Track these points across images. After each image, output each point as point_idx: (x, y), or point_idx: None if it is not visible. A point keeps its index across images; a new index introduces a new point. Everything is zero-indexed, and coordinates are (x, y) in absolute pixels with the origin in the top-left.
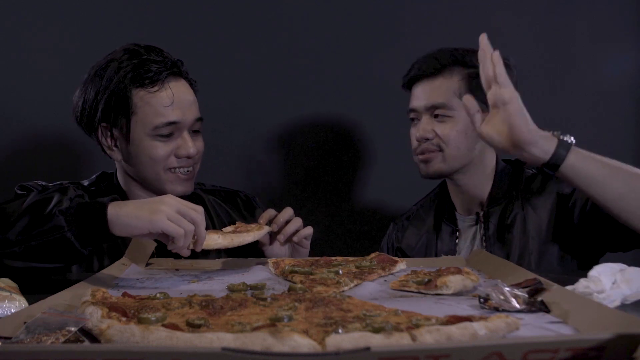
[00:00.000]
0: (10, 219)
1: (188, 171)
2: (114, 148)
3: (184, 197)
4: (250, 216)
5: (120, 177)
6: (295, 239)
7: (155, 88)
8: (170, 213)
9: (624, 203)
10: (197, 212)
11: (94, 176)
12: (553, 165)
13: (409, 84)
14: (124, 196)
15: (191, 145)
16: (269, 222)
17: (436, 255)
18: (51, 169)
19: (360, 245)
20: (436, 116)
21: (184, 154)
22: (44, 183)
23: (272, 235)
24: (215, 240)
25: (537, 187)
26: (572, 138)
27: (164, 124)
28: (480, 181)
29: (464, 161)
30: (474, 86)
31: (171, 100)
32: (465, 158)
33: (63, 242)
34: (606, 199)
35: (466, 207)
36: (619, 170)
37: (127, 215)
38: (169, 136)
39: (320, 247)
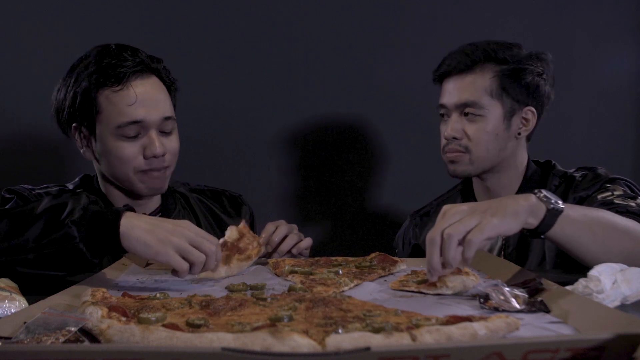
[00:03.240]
0: (23, 226)
1: (158, 171)
2: (86, 147)
3: (181, 204)
4: (235, 214)
5: (99, 178)
6: (294, 251)
7: (119, 87)
8: (181, 244)
9: (595, 260)
10: (212, 243)
11: (77, 179)
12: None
13: (440, 78)
14: (104, 198)
15: (158, 145)
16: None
17: None
18: (35, 172)
19: (366, 246)
20: (466, 114)
21: (150, 153)
22: (30, 187)
23: (269, 253)
24: (220, 274)
25: (558, 196)
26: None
27: (126, 123)
28: (510, 182)
29: (493, 162)
30: (507, 84)
31: (134, 99)
32: (494, 159)
33: (74, 251)
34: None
35: None
36: (600, 229)
37: (137, 240)
38: (135, 136)
39: (326, 249)
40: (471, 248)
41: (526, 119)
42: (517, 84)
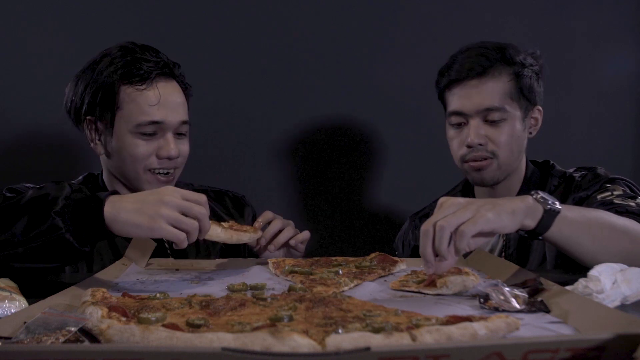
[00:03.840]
0: (9, 221)
1: (168, 173)
2: (97, 142)
3: None
4: (238, 215)
5: (105, 176)
6: (292, 242)
7: (143, 86)
8: (171, 215)
9: (594, 260)
10: (201, 204)
11: (80, 177)
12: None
13: (449, 84)
14: None
15: (173, 147)
16: (266, 226)
17: None
18: (39, 171)
19: (366, 246)
20: (486, 120)
21: (165, 154)
22: (32, 185)
23: (263, 245)
24: (217, 232)
25: (557, 198)
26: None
27: (147, 122)
28: (512, 182)
29: (515, 165)
30: (522, 85)
31: (157, 100)
32: (517, 161)
33: (62, 242)
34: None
35: None
36: (598, 230)
37: (126, 222)
38: (151, 135)
39: (326, 249)
40: (462, 239)
41: (535, 118)
42: (529, 84)
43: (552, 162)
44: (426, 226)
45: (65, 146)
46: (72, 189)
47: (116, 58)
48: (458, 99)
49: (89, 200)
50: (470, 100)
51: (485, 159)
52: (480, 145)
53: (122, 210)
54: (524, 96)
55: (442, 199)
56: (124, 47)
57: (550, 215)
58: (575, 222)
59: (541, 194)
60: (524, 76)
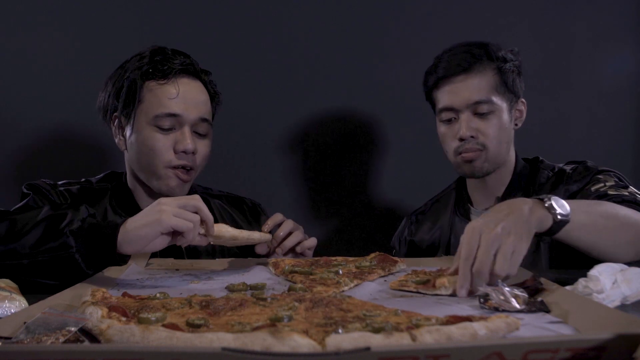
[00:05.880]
0: (22, 231)
1: (185, 170)
2: (120, 137)
3: None
4: (255, 222)
5: (128, 176)
6: (298, 249)
7: (164, 81)
8: (174, 210)
9: (602, 254)
10: (195, 198)
11: (102, 174)
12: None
13: (437, 82)
14: (131, 196)
15: (189, 142)
16: (275, 228)
17: (448, 250)
18: (59, 168)
19: (369, 246)
20: (476, 113)
21: (181, 148)
22: (51, 181)
23: (273, 247)
24: (226, 228)
25: (548, 189)
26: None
27: (164, 114)
28: (504, 176)
29: (504, 156)
30: (506, 79)
31: (176, 94)
32: (505, 153)
33: (69, 261)
34: (592, 252)
35: (483, 203)
36: (604, 224)
37: (135, 229)
38: (169, 130)
39: (330, 249)
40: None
41: (520, 111)
42: (512, 77)
43: (541, 158)
44: (482, 269)
45: (87, 144)
46: (89, 212)
47: (145, 57)
48: (447, 95)
49: (104, 226)
50: (459, 95)
51: (475, 151)
52: (472, 137)
53: (128, 225)
54: (508, 89)
55: (473, 227)
56: (156, 49)
57: (559, 225)
58: (584, 225)
59: (552, 200)
60: (507, 70)
